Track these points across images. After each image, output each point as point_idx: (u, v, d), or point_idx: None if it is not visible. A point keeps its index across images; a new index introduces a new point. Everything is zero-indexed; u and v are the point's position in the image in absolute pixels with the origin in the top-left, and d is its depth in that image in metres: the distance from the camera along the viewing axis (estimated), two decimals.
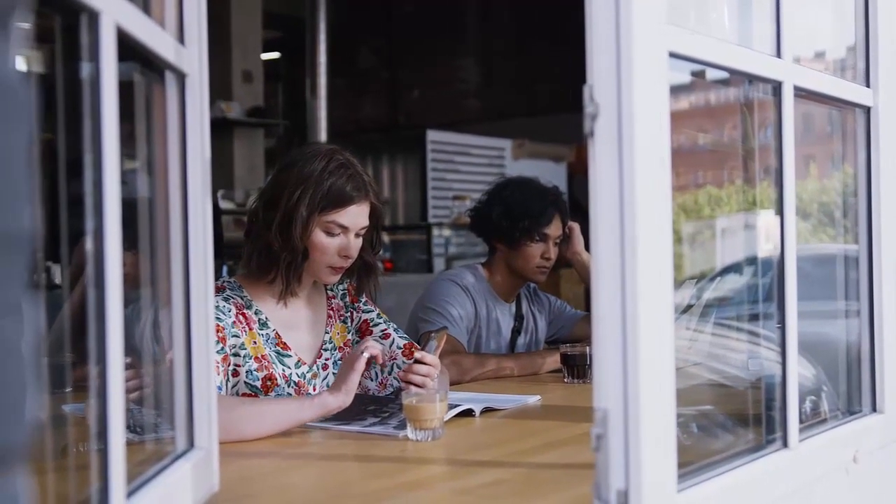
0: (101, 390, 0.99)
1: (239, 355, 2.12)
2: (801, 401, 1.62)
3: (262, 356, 2.16)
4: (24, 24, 0.57)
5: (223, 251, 4.73)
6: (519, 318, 3.12)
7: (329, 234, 2.16)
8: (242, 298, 2.19)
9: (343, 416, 1.99)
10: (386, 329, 2.37)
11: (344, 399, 1.92)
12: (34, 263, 0.57)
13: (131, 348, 1.09)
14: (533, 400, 2.33)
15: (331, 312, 2.34)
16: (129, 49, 1.09)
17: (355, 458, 1.73)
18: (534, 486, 1.53)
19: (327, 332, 2.32)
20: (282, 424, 1.91)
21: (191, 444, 1.35)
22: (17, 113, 0.54)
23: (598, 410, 1.17)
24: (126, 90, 1.06)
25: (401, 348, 2.33)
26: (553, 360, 2.81)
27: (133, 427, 1.27)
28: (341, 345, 2.33)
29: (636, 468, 1.15)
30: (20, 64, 0.56)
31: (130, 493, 1.08)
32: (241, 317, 2.15)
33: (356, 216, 2.18)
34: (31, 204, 0.56)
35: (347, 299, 2.39)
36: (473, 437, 1.98)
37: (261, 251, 2.18)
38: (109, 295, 0.99)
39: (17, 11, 0.55)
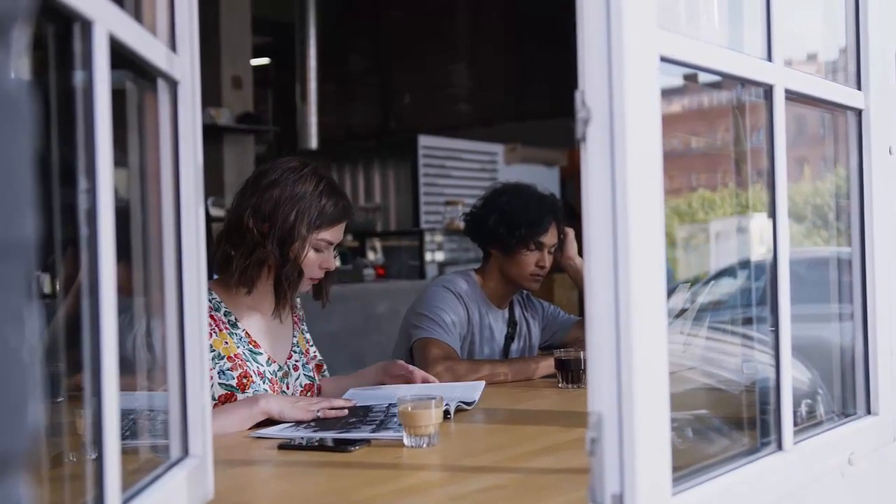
0: (97, 400, 0.98)
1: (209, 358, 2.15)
2: (797, 404, 1.62)
3: (236, 355, 2.22)
4: (24, 33, 0.57)
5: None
6: (512, 324, 3.12)
7: (317, 250, 2.27)
8: (211, 301, 2.24)
9: (339, 427, 1.98)
10: (314, 355, 2.50)
11: (274, 405, 2.05)
12: (34, 271, 0.57)
13: (124, 357, 1.08)
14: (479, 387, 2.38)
15: (296, 319, 2.46)
16: (121, 56, 1.09)
17: (351, 465, 1.72)
18: (530, 490, 1.53)
19: (294, 336, 2.42)
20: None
21: (185, 452, 1.35)
22: (19, 122, 0.54)
23: (593, 414, 1.17)
24: (117, 98, 1.06)
25: (301, 387, 2.39)
26: (547, 365, 2.81)
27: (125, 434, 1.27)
28: (304, 350, 2.44)
29: (631, 472, 1.15)
30: (21, 72, 0.56)
31: (125, 502, 1.07)
32: (209, 319, 2.19)
33: (341, 233, 2.32)
34: (33, 212, 0.57)
35: (302, 313, 2.50)
36: (468, 442, 1.98)
37: (254, 265, 2.23)
38: (103, 303, 0.98)
39: (18, 21, 0.56)
